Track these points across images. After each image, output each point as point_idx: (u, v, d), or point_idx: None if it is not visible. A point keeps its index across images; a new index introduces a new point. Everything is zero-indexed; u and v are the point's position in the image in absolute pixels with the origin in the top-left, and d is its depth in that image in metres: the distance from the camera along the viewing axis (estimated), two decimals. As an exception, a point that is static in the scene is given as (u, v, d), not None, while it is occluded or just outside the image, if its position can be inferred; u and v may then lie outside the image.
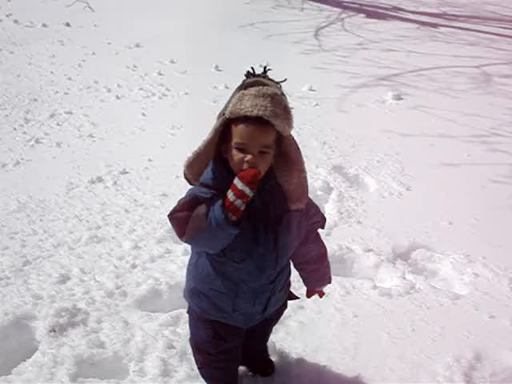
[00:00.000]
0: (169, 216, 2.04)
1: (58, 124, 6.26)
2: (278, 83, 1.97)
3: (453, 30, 11.95)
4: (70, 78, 8.00)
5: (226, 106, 1.92)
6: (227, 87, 7.69)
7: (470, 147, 5.82)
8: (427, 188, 4.86)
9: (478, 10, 14.06)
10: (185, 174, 2.02)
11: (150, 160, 5.30)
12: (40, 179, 4.85)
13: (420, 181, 5.00)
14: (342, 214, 4.34)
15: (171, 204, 2.11)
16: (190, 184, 2.04)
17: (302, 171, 2.03)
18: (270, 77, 1.97)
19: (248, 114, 1.82)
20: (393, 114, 6.95)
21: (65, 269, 3.50)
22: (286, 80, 2.02)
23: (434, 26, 12.32)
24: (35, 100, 7.00)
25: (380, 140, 5.98)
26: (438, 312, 3.24)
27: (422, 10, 13.97)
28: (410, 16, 13.32)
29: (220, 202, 1.87)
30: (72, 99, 7.13)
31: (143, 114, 6.65)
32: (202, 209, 1.92)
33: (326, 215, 2.41)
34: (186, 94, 7.50)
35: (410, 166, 5.31)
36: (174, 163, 5.00)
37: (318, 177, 4.90)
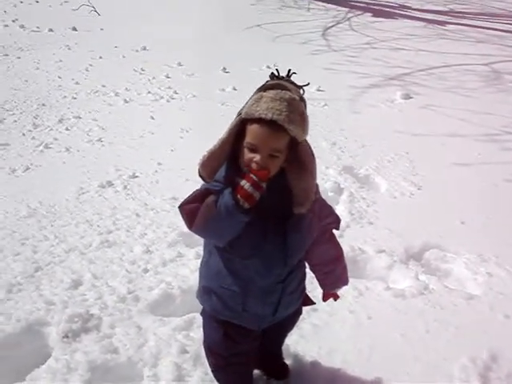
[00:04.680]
0: (179, 207, 2.05)
1: (66, 129, 6.28)
2: (300, 87, 1.96)
3: (460, 27, 11.88)
4: (77, 83, 8.05)
5: (244, 106, 1.91)
6: (235, 89, 7.70)
7: (482, 146, 5.75)
8: (439, 188, 4.81)
9: (485, 6, 14.02)
10: (199, 172, 2.01)
11: (159, 163, 5.30)
12: (50, 184, 4.86)
13: (431, 180, 4.95)
14: (353, 214, 4.31)
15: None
16: (205, 182, 2.04)
17: (313, 178, 2.02)
18: (294, 81, 1.96)
19: (263, 116, 1.81)
20: (402, 113, 6.89)
21: (77, 274, 3.50)
22: (308, 84, 2.01)
23: (442, 23, 12.28)
24: (43, 105, 7.04)
25: (390, 140, 5.93)
26: (452, 312, 3.20)
27: (428, 7, 13.93)
28: (417, 14, 13.32)
29: (229, 189, 1.90)
30: (80, 104, 7.17)
31: (152, 118, 6.67)
32: (211, 198, 1.95)
33: (337, 216, 2.39)
34: (194, 96, 7.51)
35: (420, 165, 5.26)
36: (183, 166, 5.00)
37: (328, 178, 4.88)
